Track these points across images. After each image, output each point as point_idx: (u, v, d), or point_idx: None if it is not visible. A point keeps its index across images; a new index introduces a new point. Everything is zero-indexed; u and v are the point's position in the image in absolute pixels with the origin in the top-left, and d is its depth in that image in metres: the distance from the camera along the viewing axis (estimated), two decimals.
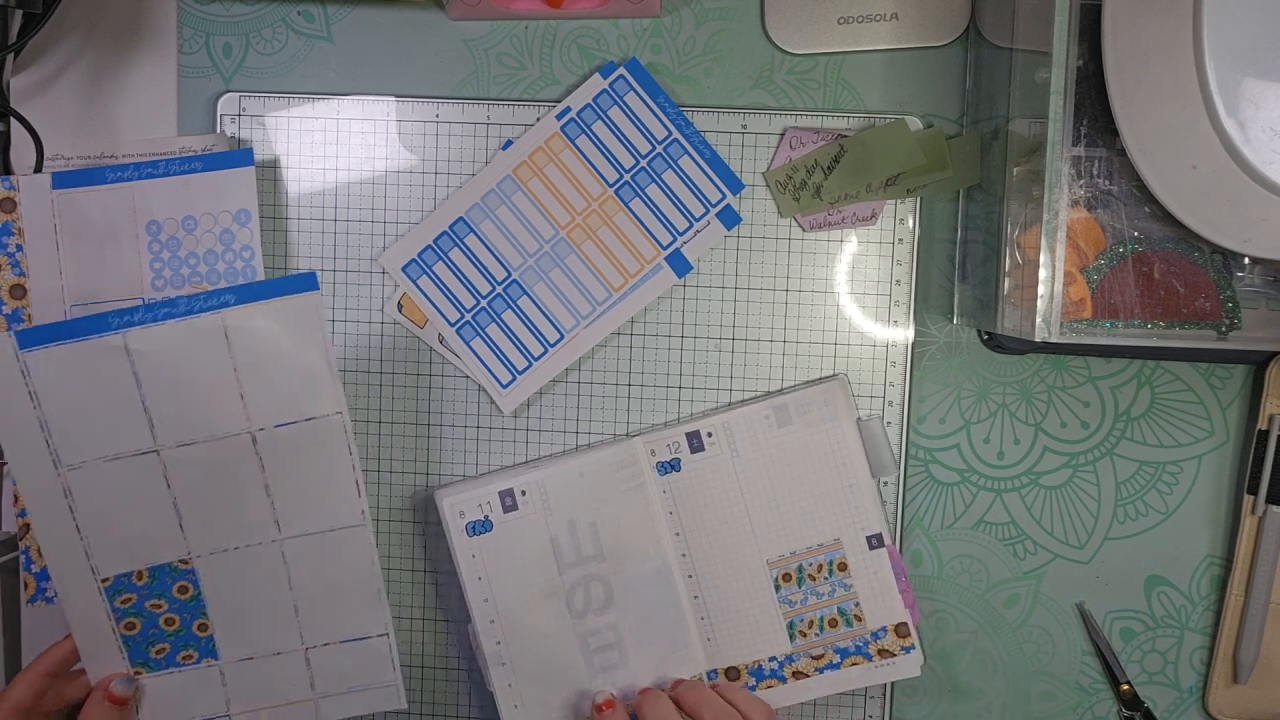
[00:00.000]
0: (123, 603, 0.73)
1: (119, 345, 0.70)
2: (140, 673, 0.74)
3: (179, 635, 0.74)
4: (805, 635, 0.77)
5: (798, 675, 0.77)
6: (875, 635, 0.77)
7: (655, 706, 0.72)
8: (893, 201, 0.77)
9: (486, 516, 0.75)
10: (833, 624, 0.77)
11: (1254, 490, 0.76)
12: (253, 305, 0.70)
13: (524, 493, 0.76)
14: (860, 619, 0.77)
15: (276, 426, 0.72)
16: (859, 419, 0.77)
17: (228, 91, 0.78)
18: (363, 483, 0.73)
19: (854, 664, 0.77)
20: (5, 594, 0.81)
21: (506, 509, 0.76)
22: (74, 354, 0.70)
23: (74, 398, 0.70)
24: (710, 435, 0.77)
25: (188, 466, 0.72)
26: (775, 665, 0.77)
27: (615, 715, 0.73)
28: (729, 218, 0.77)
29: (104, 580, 0.73)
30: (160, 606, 0.73)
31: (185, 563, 0.73)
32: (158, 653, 0.74)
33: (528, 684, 0.76)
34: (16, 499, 0.77)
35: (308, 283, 0.70)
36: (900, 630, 0.77)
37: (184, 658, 0.74)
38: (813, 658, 0.77)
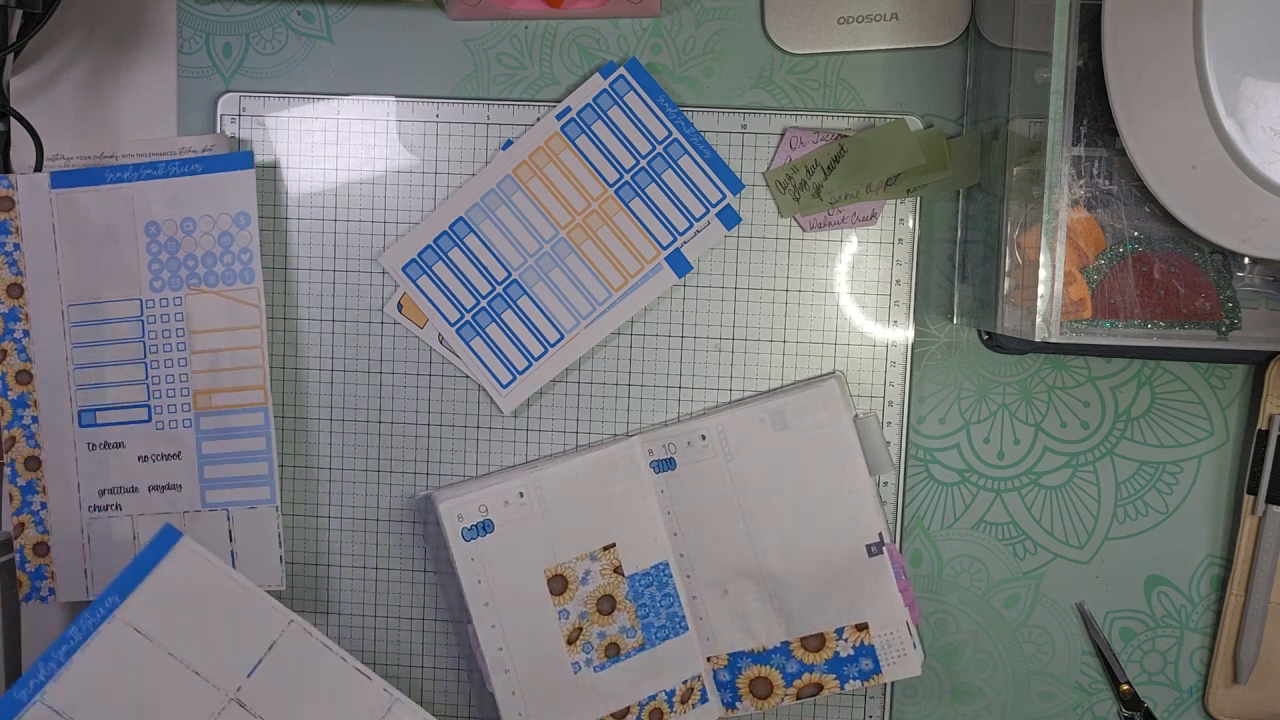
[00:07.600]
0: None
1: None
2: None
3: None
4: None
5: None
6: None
7: None
8: (893, 201, 0.77)
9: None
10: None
11: (1254, 490, 0.76)
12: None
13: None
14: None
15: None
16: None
17: (228, 91, 0.78)
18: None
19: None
20: (5, 593, 0.81)
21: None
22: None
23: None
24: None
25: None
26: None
27: None
28: (729, 218, 0.77)
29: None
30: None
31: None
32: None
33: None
34: (11, 498, 0.77)
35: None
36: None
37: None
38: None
